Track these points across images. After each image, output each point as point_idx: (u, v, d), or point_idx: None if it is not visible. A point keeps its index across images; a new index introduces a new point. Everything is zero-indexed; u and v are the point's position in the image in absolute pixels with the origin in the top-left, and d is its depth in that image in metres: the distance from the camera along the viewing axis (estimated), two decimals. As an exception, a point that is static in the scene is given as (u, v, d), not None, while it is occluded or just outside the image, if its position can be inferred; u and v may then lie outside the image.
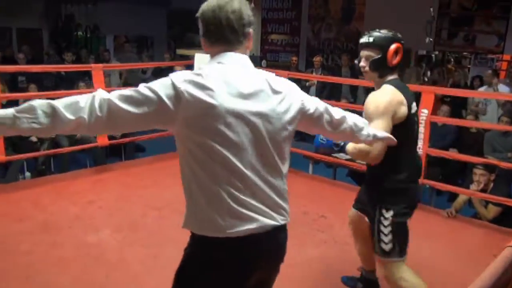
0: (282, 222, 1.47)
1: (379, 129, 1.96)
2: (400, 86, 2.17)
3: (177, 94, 1.28)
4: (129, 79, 8.76)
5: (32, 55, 8.92)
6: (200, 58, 5.28)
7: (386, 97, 2.11)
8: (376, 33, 2.17)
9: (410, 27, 7.11)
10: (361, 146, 2.05)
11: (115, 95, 1.30)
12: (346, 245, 3.21)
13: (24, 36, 11.05)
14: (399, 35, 2.20)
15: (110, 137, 5.06)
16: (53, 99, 4.63)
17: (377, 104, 2.09)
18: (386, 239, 2.18)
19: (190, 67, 5.60)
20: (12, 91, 6.58)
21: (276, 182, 1.45)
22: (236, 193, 1.34)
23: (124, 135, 5.74)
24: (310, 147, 6.54)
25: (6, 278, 2.64)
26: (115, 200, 3.96)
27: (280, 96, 1.41)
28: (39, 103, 1.25)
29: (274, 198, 1.44)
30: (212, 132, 1.29)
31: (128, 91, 1.31)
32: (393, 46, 2.13)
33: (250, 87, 1.35)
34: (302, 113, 1.50)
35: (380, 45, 2.14)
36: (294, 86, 1.50)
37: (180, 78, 1.31)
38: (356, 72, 7.67)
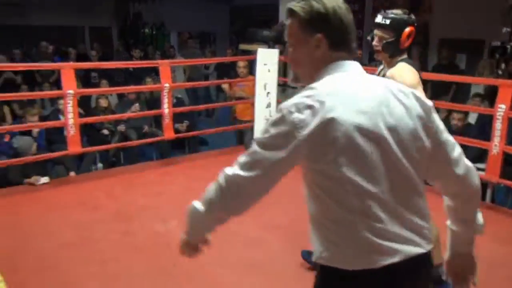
0: (428, 248, 1.21)
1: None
2: (414, 66, 2.23)
3: (294, 129, 1.11)
4: (192, 74, 9.00)
5: (102, 52, 9.41)
6: (264, 54, 5.31)
7: (413, 72, 2.16)
8: (392, 15, 2.19)
9: (483, 17, 6.71)
10: None
11: (237, 172, 1.22)
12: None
13: (95, 34, 11.69)
14: (413, 17, 2.24)
15: (176, 131, 5.22)
16: (123, 94, 4.87)
17: (411, 76, 2.13)
18: None
19: (252, 62, 5.65)
20: (85, 87, 6.98)
21: (416, 202, 1.21)
22: (373, 222, 1.13)
23: (189, 129, 5.92)
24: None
25: (85, 263, 2.81)
26: (181, 192, 4.08)
27: (406, 104, 1.18)
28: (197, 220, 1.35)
29: (417, 221, 1.19)
30: (338, 155, 1.10)
31: (246, 158, 1.22)
32: (407, 30, 2.18)
33: (374, 98, 1.15)
34: (425, 128, 1.21)
35: (395, 28, 2.18)
36: (417, 93, 1.25)
37: (291, 108, 1.13)
38: (426, 65, 7.34)
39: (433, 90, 7.14)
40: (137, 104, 5.81)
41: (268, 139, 1.17)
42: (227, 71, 7.92)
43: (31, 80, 7.17)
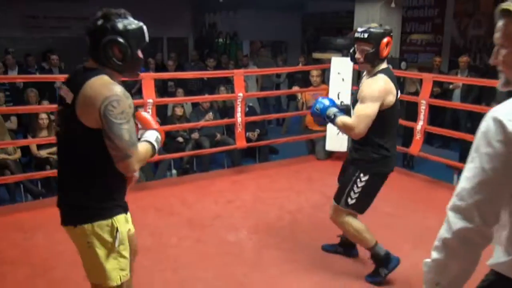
0: None
1: (367, 111, 2.42)
2: (391, 76, 2.52)
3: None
4: (264, 83, 9.08)
5: (179, 61, 9.80)
6: (338, 62, 5.22)
7: (380, 85, 2.46)
8: (370, 29, 2.47)
9: None
10: (348, 121, 2.49)
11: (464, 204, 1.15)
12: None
13: (172, 44, 12.21)
14: (389, 28, 2.56)
15: (247, 139, 5.28)
16: (197, 103, 4.96)
17: (372, 90, 2.46)
18: (354, 196, 2.61)
19: (326, 71, 5.57)
20: (162, 96, 7.29)
21: None
22: None
23: (260, 138, 5.96)
24: (454, 156, 6.03)
25: (159, 267, 2.91)
26: (252, 201, 4.11)
27: None
28: None
29: None
30: None
31: (469, 182, 1.15)
32: (385, 40, 2.47)
33: None
34: None
35: (374, 40, 2.46)
36: None
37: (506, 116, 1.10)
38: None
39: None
40: (210, 113, 5.96)
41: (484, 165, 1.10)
42: (298, 79, 7.89)
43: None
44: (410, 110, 6.31)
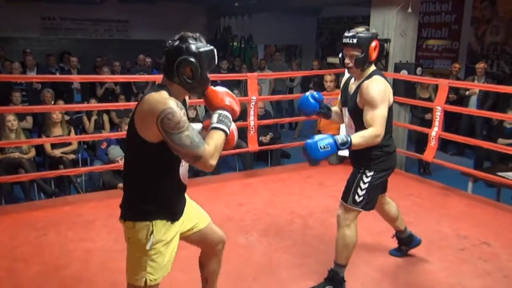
0: None
1: (383, 113, 2.44)
2: (384, 77, 2.55)
3: None
4: (277, 87, 9.07)
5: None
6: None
7: (383, 86, 2.48)
8: (358, 35, 2.47)
9: None
10: (367, 133, 2.43)
11: None
12: (518, 281, 2.81)
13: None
14: (375, 31, 2.55)
15: (260, 143, 5.27)
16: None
17: (379, 91, 2.45)
18: (360, 193, 2.58)
19: (340, 75, 5.54)
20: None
21: None
22: None
23: (272, 141, 5.95)
24: (469, 163, 5.94)
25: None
26: (263, 204, 4.10)
27: None
28: None
29: None
30: None
31: None
32: (373, 44, 2.48)
33: None
34: None
35: (363, 45, 2.46)
36: None
37: None
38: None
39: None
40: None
41: None
42: (315, 83, 7.85)
43: (129, 90, 7.68)
44: (422, 118, 6.27)
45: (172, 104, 1.69)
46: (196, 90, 1.86)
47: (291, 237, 3.43)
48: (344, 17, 11.37)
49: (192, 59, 1.76)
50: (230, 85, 7.48)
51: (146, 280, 1.85)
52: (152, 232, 1.83)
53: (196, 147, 1.72)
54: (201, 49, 1.80)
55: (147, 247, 1.82)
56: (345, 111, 2.68)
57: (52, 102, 5.95)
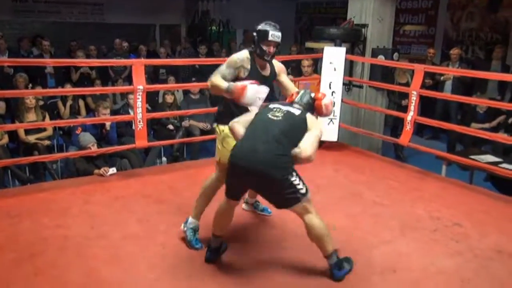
0: None
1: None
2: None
3: None
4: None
5: (172, 49, 9.70)
6: (330, 52, 5.20)
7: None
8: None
9: None
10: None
11: None
12: (490, 260, 2.91)
13: (165, 31, 12.08)
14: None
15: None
16: (188, 91, 5.07)
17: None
18: (299, 185, 2.52)
19: (318, 60, 5.55)
20: (153, 83, 7.24)
21: None
22: None
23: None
24: (444, 147, 6.07)
25: (147, 253, 2.91)
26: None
27: None
28: None
29: None
30: None
31: None
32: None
33: None
34: None
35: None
36: None
37: None
38: (507, 66, 6.84)
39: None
40: (208, 125, 5.96)
41: None
42: (287, 67, 7.85)
43: (105, 75, 7.54)
44: (399, 104, 6.35)
45: None
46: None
47: (269, 220, 3.46)
48: (322, 2, 11.35)
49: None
50: (208, 70, 7.42)
51: None
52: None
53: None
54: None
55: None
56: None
57: (26, 87, 5.81)
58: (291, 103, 2.77)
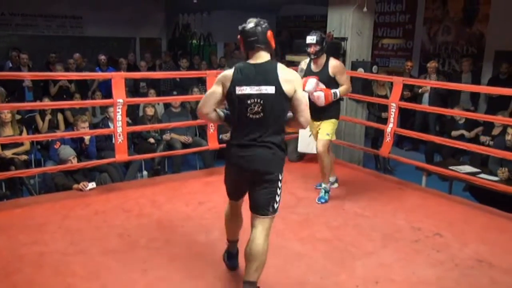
0: None
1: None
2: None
3: None
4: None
5: (153, 62, 9.67)
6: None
7: None
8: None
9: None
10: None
11: None
12: (471, 269, 2.94)
13: (146, 45, 12.05)
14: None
15: (220, 141, 5.25)
16: (169, 104, 5.03)
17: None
18: (278, 198, 2.54)
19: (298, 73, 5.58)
20: (134, 96, 7.18)
21: None
22: None
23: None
24: (423, 158, 6.16)
25: (128, 268, 2.85)
26: (224, 202, 4.03)
27: None
28: None
29: None
30: None
31: None
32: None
33: None
34: None
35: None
36: None
37: None
38: (478, 78, 7.06)
39: (490, 104, 6.80)
40: (190, 138, 5.96)
41: None
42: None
43: (84, 88, 7.45)
44: (379, 116, 6.44)
45: None
46: None
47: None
48: (302, 16, 11.50)
49: None
50: (189, 83, 7.41)
51: None
52: None
53: None
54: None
55: None
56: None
57: (2, 102, 5.69)
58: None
